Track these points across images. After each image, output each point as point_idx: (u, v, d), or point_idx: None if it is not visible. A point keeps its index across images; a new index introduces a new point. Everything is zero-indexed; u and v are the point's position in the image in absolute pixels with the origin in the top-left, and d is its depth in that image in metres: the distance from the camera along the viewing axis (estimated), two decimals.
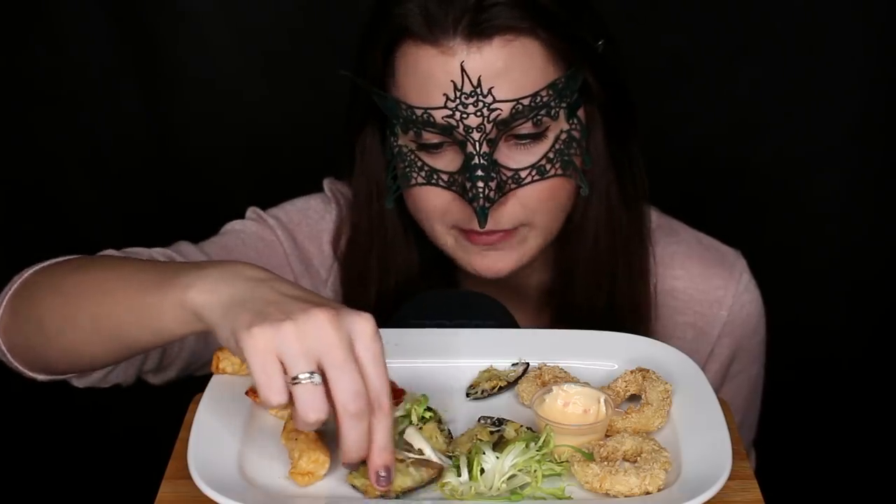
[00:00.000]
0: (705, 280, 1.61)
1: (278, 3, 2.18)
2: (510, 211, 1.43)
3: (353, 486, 1.09)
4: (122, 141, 2.27)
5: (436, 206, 1.45)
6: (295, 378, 1.03)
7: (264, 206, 1.68)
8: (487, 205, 1.39)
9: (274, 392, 1.03)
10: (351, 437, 1.05)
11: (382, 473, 1.05)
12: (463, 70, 1.36)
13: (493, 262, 1.47)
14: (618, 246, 1.52)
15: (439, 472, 1.09)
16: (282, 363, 1.03)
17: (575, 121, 1.44)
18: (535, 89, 1.39)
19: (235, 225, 1.62)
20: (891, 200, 2.23)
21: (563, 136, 1.43)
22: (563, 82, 1.41)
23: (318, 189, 1.69)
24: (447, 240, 1.49)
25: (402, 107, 1.41)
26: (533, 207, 1.44)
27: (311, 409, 1.03)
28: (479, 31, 1.36)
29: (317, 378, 1.03)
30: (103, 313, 1.21)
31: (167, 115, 2.25)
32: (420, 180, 1.44)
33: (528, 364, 1.28)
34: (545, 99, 1.40)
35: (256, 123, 2.25)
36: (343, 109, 1.55)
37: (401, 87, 1.42)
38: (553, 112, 1.41)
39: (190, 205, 2.32)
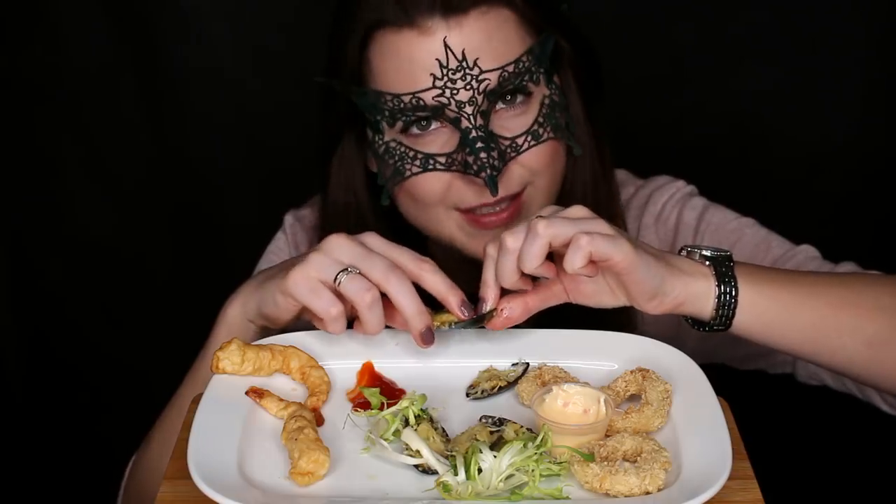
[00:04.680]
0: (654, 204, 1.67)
1: (280, 1, 2.19)
2: (515, 175, 1.45)
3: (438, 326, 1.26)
4: (122, 140, 2.27)
5: (435, 190, 1.46)
6: (336, 281, 1.22)
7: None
8: (494, 173, 1.40)
9: (327, 304, 1.22)
10: (404, 301, 1.22)
11: (426, 335, 1.24)
12: (446, 46, 1.38)
13: None
14: (600, 208, 1.53)
15: (485, 315, 1.25)
16: (322, 283, 1.22)
17: (553, 86, 1.47)
18: (516, 56, 1.42)
19: None
20: (891, 200, 2.23)
21: (547, 100, 1.46)
22: (538, 47, 1.44)
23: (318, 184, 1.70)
24: (450, 227, 1.49)
25: (385, 98, 1.41)
26: (535, 170, 1.46)
27: (362, 291, 1.21)
28: (454, 6, 1.38)
29: (353, 270, 1.22)
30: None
31: (167, 114, 2.25)
32: (415, 170, 1.45)
33: (528, 364, 1.28)
34: (526, 64, 1.42)
35: (256, 121, 2.26)
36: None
37: (382, 78, 1.42)
38: (535, 77, 1.44)
39: (190, 203, 2.33)
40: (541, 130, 1.45)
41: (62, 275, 2.36)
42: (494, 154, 1.40)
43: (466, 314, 1.25)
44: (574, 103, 1.51)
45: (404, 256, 1.26)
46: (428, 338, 1.24)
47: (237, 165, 2.30)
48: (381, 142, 1.46)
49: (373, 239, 1.27)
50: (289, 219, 1.75)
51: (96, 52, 2.18)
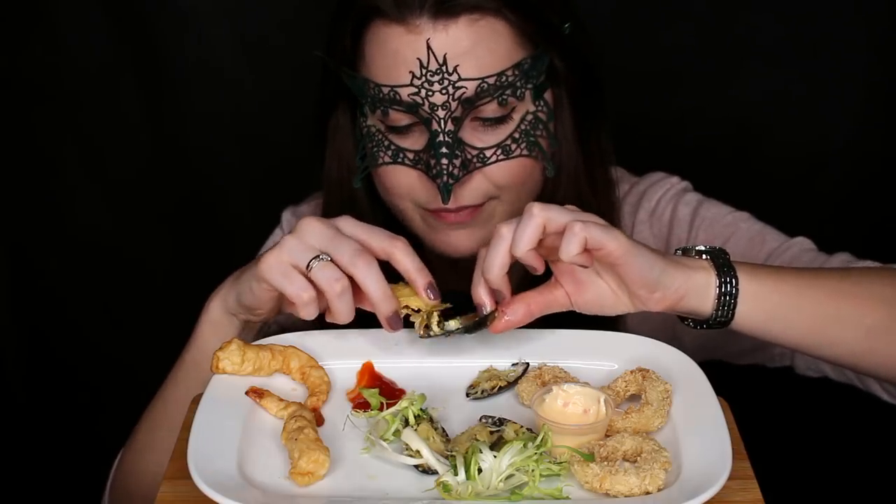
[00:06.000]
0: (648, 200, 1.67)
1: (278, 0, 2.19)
2: (475, 187, 1.45)
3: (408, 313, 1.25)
4: (122, 140, 2.27)
5: (401, 184, 1.47)
6: (308, 268, 1.22)
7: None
8: (451, 181, 1.41)
9: (298, 288, 1.22)
10: (371, 286, 1.22)
11: (393, 320, 1.24)
12: (429, 47, 1.38)
13: (458, 240, 1.49)
14: None
15: (487, 316, 1.24)
16: (294, 267, 1.22)
17: (541, 102, 1.46)
18: (500, 68, 1.41)
19: None
20: (890, 202, 2.23)
21: (529, 117, 1.45)
22: (528, 63, 1.43)
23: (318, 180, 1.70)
24: (414, 218, 1.51)
25: (370, 86, 1.43)
26: (500, 184, 1.46)
27: (332, 280, 1.21)
28: (445, 9, 1.38)
29: (325, 258, 1.22)
30: (171, 412, 1.34)
31: (166, 114, 2.25)
32: (387, 159, 1.46)
33: (528, 364, 1.28)
34: (510, 79, 1.41)
35: (256, 120, 2.26)
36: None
37: (369, 66, 1.44)
38: (519, 92, 1.43)
39: (190, 203, 2.33)
40: (513, 146, 1.44)
41: (62, 275, 2.36)
42: (456, 162, 1.41)
43: (432, 297, 1.25)
44: (565, 123, 1.50)
45: (375, 237, 1.26)
46: (395, 323, 1.25)
47: (237, 165, 2.30)
48: (364, 124, 1.47)
49: (346, 222, 1.27)
50: (286, 215, 1.76)
51: (96, 52, 2.18)
